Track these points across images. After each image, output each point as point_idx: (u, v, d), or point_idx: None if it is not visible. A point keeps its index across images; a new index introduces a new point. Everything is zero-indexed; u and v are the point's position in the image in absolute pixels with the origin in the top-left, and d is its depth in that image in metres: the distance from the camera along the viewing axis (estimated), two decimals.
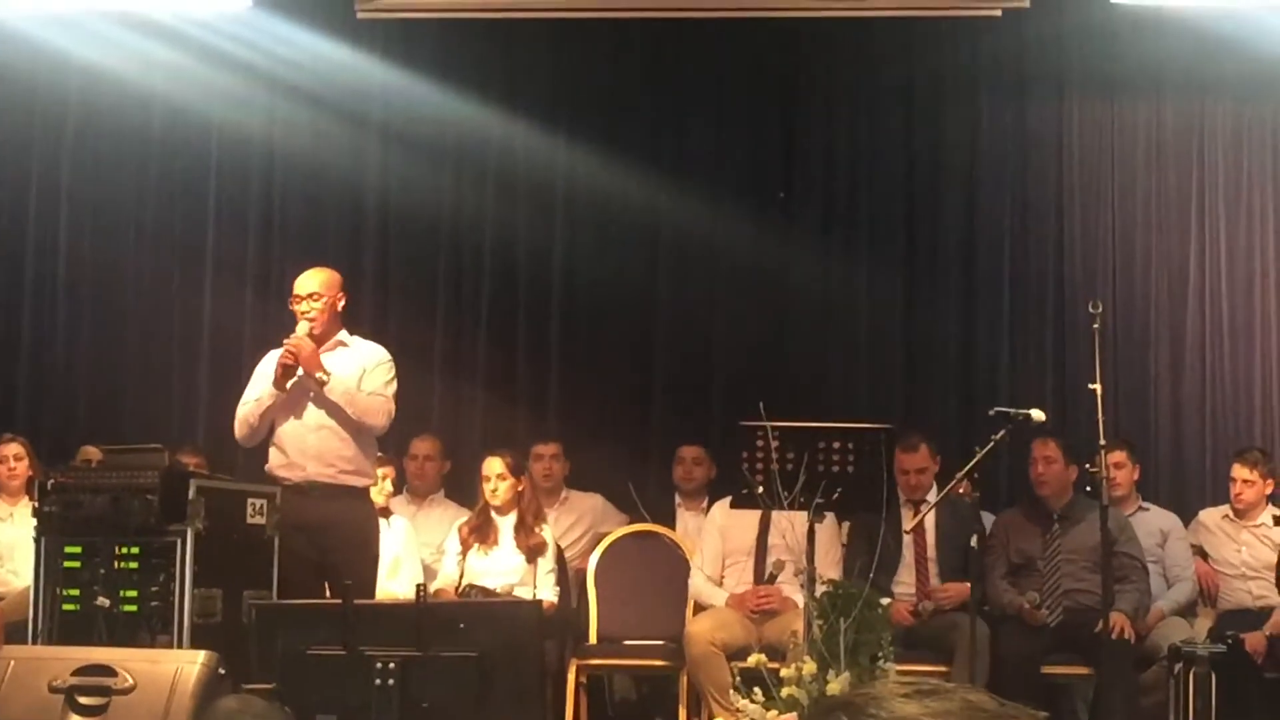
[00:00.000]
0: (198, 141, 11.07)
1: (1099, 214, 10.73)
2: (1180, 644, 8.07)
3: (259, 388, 8.18)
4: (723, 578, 9.07)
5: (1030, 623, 8.67)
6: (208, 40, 10.86)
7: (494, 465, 9.23)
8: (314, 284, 8.21)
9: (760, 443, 7.69)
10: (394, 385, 8.26)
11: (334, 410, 8.08)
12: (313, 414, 8.10)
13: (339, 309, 8.27)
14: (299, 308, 8.13)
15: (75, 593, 7.33)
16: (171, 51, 10.87)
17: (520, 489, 9.19)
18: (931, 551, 8.93)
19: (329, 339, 8.19)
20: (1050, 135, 10.83)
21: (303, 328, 8.07)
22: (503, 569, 9.07)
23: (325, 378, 8.01)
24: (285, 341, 8.06)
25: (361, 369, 8.18)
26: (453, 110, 10.88)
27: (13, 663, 6.29)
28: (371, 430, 8.23)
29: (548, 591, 9.00)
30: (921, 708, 1.70)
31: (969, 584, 8.46)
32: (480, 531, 9.16)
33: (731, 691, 7.00)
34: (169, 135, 11.08)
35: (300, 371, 8.05)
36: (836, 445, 7.76)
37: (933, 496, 8.98)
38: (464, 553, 9.15)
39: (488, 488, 9.19)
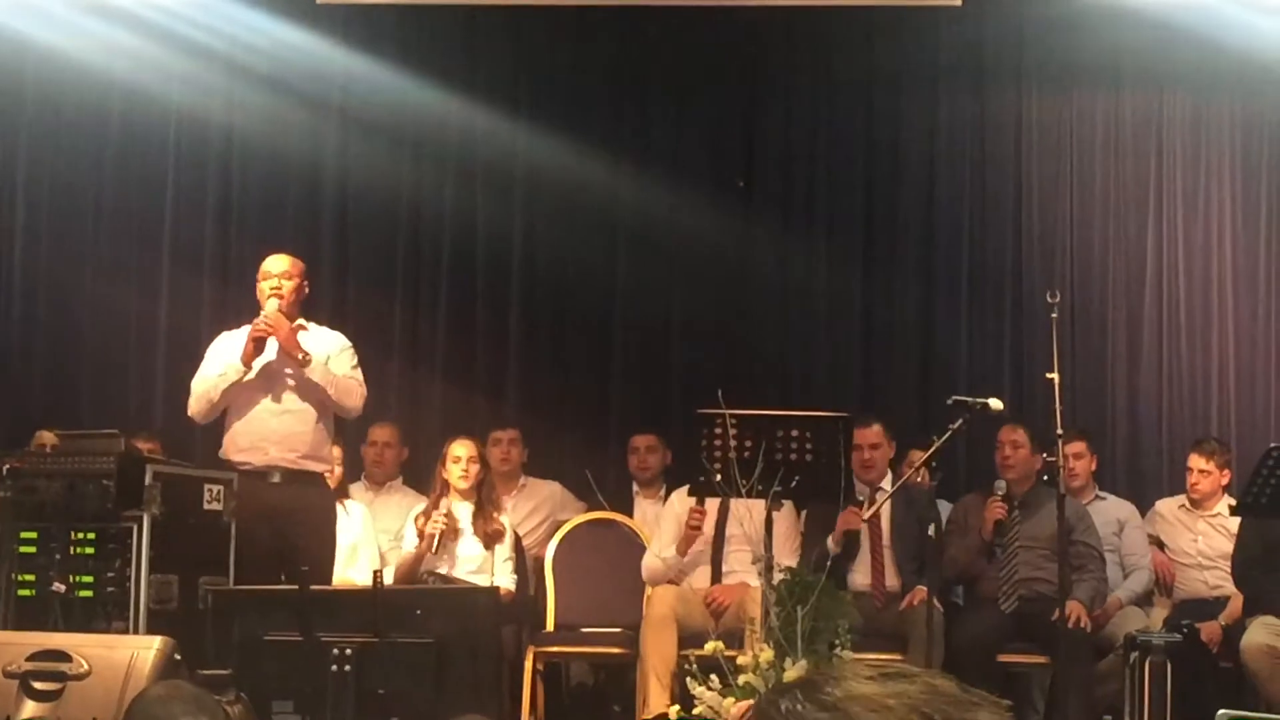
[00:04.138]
0: (156, 126, 11.02)
1: (1057, 204, 10.76)
2: (1136, 633, 8.09)
3: (222, 362, 8.17)
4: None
5: (993, 517, 8.74)
6: (166, 24, 10.80)
7: (469, 447, 9.20)
8: (285, 264, 8.29)
9: (719, 430, 7.69)
10: (359, 370, 8.30)
11: (296, 394, 8.10)
12: (274, 399, 8.10)
13: (302, 295, 8.31)
14: (268, 285, 8.15)
15: (31, 578, 7.31)
16: (130, 35, 10.80)
17: (480, 475, 9.19)
18: (886, 539, 8.94)
19: (292, 322, 8.22)
20: (1009, 125, 10.86)
21: (272, 305, 8.09)
22: (461, 556, 9.06)
23: (306, 357, 8.03)
24: (260, 319, 8.08)
25: (326, 355, 8.19)
26: (412, 96, 10.85)
27: None
28: (348, 412, 8.31)
29: (505, 579, 8.99)
30: (881, 688, 1.70)
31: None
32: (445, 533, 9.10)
33: (688, 679, 6.99)
34: (127, 119, 11.03)
35: (270, 356, 8.08)
36: (795, 434, 7.76)
37: (888, 484, 9.01)
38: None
39: (457, 469, 9.14)
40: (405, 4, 10.99)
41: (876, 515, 8.74)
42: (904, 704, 1.69)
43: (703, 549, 8.98)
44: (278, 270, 8.22)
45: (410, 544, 9.13)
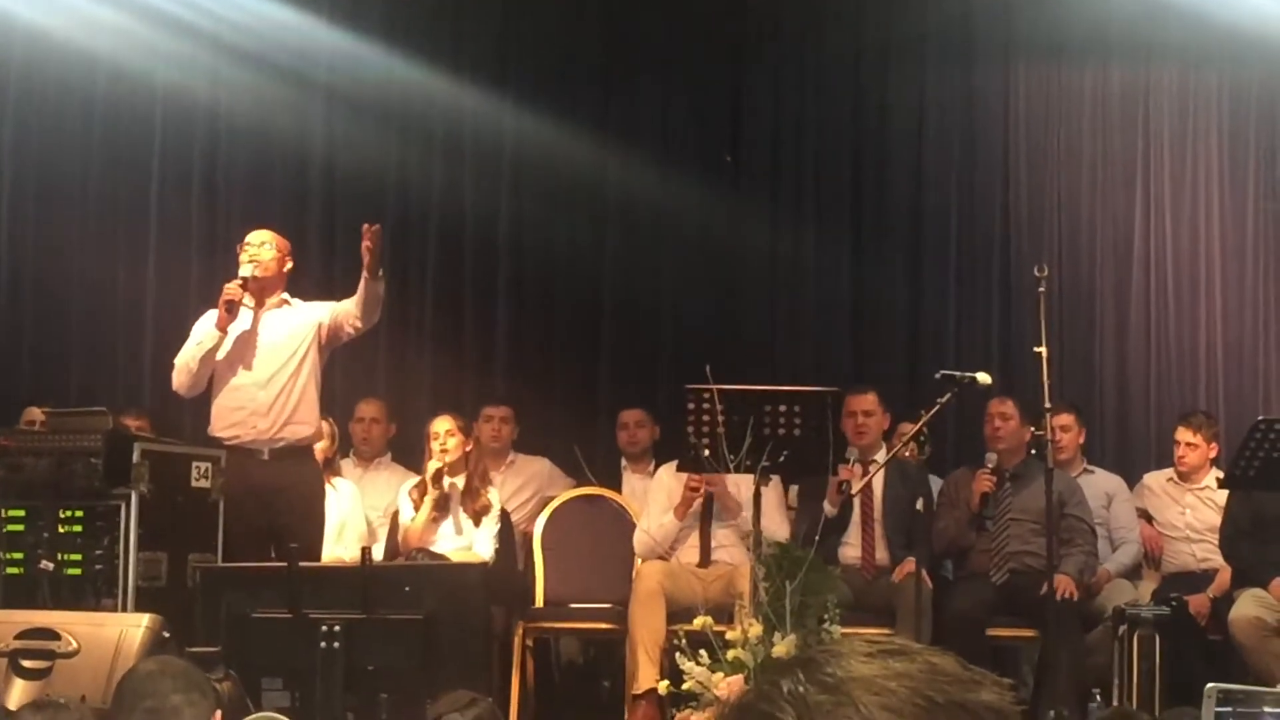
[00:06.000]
0: (142, 103, 11.00)
1: (1045, 178, 10.76)
2: (1125, 606, 8.08)
3: (200, 333, 8.18)
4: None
5: (980, 489, 8.76)
6: (151, 1, 10.77)
7: (443, 422, 9.18)
8: (265, 234, 8.32)
9: (707, 406, 7.69)
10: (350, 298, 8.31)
11: (279, 366, 8.09)
12: (259, 370, 8.10)
13: (285, 270, 8.30)
14: (245, 254, 8.15)
15: (19, 556, 7.31)
16: (115, 13, 10.78)
17: (468, 450, 9.16)
18: (878, 513, 8.93)
19: (274, 293, 8.23)
20: (997, 99, 10.85)
21: (246, 270, 8.09)
22: (451, 533, 9.05)
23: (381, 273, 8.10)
24: (230, 283, 8.09)
25: (316, 320, 8.18)
26: (399, 73, 10.83)
27: None
28: (374, 317, 8.27)
29: (483, 547, 8.94)
30: (882, 667, 1.68)
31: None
32: (441, 507, 9.08)
33: (677, 655, 7.00)
34: (113, 97, 11.01)
35: (245, 324, 8.09)
36: (783, 408, 7.77)
37: (881, 458, 9.00)
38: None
39: (436, 445, 9.10)
40: None
41: (868, 488, 8.73)
42: (906, 686, 1.67)
43: (690, 525, 8.97)
44: (256, 241, 8.25)
45: (408, 516, 9.10)
